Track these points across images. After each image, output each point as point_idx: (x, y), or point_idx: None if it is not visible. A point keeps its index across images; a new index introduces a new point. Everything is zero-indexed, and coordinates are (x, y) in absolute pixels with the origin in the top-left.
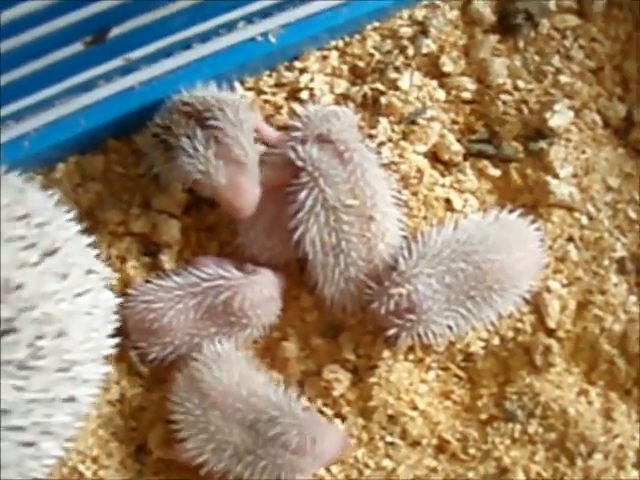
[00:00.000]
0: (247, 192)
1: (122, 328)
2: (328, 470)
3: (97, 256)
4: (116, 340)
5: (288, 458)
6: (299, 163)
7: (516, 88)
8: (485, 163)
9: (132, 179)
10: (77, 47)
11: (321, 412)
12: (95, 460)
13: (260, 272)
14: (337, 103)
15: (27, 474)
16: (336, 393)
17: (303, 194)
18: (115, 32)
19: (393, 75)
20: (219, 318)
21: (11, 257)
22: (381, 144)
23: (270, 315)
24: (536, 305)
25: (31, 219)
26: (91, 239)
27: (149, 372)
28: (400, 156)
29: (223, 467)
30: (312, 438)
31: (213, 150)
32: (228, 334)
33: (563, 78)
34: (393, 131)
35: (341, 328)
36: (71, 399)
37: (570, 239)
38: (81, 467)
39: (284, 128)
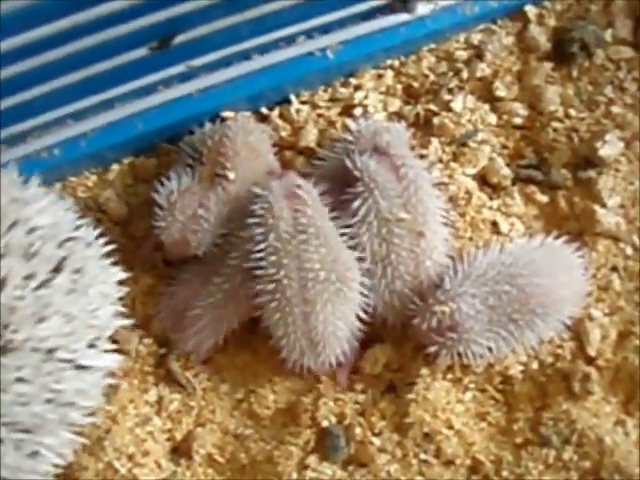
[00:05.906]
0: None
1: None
2: None
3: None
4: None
5: None
6: (356, 173)
7: (567, 116)
8: (533, 189)
9: None
10: (142, 52)
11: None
12: (130, 458)
13: None
14: (390, 121)
15: None
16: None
17: (357, 203)
18: (180, 39)
19: (446, 97)
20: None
21: None
22: (431, 164)
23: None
24: (577, 332)
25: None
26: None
27: (188, 382)
28: (449, 177)
29: None
30: None
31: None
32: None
33: (615, 109)
34: (444, 152)
35: (380, 340)
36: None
37: (614, 269)
38: (116, 464)
39: (337, 142)
